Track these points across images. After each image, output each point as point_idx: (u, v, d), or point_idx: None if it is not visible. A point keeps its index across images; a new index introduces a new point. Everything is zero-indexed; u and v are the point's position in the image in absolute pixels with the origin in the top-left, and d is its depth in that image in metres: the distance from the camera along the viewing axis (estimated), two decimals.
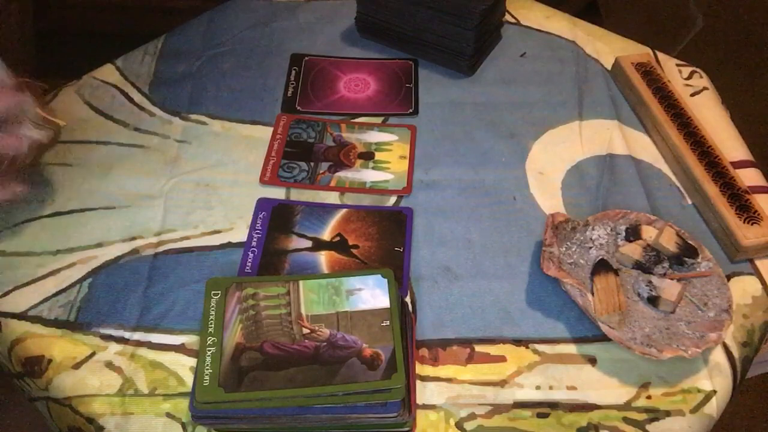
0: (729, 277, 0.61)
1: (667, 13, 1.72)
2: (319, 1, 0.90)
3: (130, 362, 0.55)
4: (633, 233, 0.62)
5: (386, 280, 0.56)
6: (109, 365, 0.55)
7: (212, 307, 0.54)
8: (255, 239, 0.63)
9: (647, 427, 0.52)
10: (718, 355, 0.57)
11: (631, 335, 0.55)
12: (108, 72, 0.79)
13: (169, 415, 0.52)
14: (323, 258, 0.62)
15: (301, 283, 0.56)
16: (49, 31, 1.25)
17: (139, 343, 0.56)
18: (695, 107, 0.73)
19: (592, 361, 0.56)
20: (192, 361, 0.55)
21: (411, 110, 0.76)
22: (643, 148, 0.73)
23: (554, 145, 0.73)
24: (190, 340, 0.56)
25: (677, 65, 0.82)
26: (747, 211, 0.63)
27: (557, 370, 0.55)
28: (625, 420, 0.53)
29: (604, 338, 0.56)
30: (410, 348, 0.54)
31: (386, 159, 0.71)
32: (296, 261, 0.62)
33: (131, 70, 0.79)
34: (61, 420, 0.56)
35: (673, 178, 0.70)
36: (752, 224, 0.62)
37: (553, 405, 0.53)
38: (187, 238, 0.63)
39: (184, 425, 0.52)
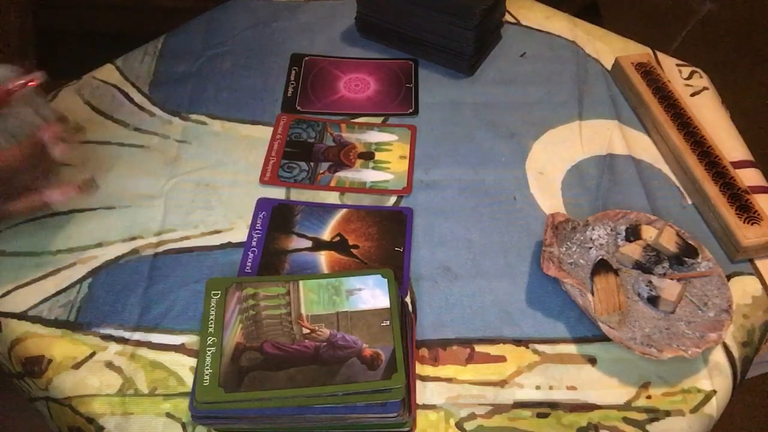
0: (729, 277, 0.61)
1: (665, 8, 1.72)
2: (319, 1, 0.90)
3: (130, 362, 0.55)
4: (633, 233, 0.62)
5: (386, 280, 0.56)
6: (109, 365, 0.55)
7: (212, 307, 0.54)
8: (255, 239, 0.63)
9: (647, 427, 0.52)
10: (718, 355, 0.57)
11: (631, 335, 0.55)
12: (108, 72, 0.79)
13: (169, 415, 0.52)
14: (323, 258, 0.62)
15: (301, 283, 0.56)
16: (49, 31, 1.25)
17: (139, 343, 0.56)
18: (695, 107, 0.73)
19: (592, 361, 0.56)
20: (192, 361, 0.55)
21: (411, 110, 0.76)
22: (643, 148, 0.73)
23: (554, 145, 0.73)
24: (190, 340, 0.56)
25: (677, 65, 0.82)
26: (747, 211, 0.63)
27: (557, 370, 0.55)
28: (625, 420, 0.53)
29: (604, 338, 0.56)
30: (410, 348, 0.54)
31: (386, 159, 0.71)
32: (296, 261, 0.62)
33: (131, 70, 0.79)
34: (61, 420, 0.56)
35: (673, 178, 0.70)
36: (752, 224, 0.62)
37: (553, 405, 0.53)
38: (187, 238, 0.63)
39: (184, 425, 0.52)
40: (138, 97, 0.76)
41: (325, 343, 0.52)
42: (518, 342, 0.57)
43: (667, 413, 0.53)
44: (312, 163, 0.70)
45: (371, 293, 0.55)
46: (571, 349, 0.57)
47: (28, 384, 0.57)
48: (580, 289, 0.57)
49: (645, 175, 0.70)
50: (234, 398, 0.49)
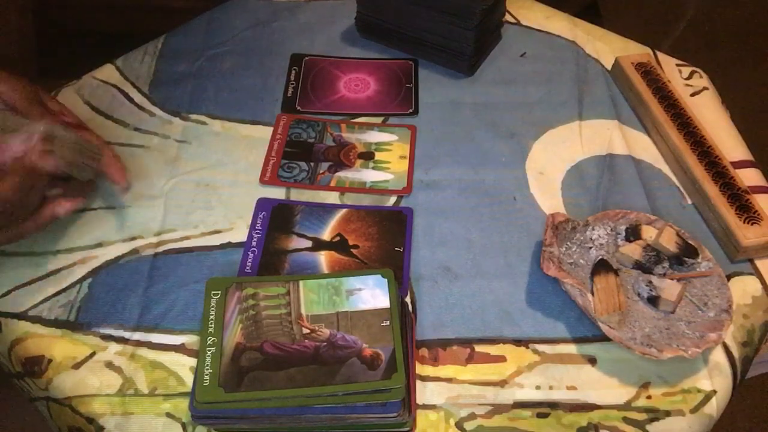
0: (729, 277, 0.61)
1: (664, 8, 1.72)
2: (319, 1, 0.90)
3: (130, 362, 0.55)
4: (633, 233, 0.62)
5: (386, 280, 0.56)
6: (109, 365, 0.55)
7: (212, 307, 0.54)
8: (255, 239, 0.63)
9: (647, 427, 0.52)
10: (718, 355, 0.57)
11: (631, 335, 0.55)
12: (108, 72, 0.79)
13: (169, 415, 0.52)
14: (323, 258, 0.62)
15: (301, 283, 0.56)
16: (49, 31, 1.25)
17: (139, 343, 0.56)
18: (695, 107, 0.73)
19: (592, 361, 0.56)
20: (192, 361, 0.55)
21: (411, 110, 0.76)
22: (643, 148, 0.73)
23: (554, 145, 0.73)
24: (190, 340, 0.56)
25: (677, 65, 0.82)
26: (747, 211, 0.63)
27: (557, 370, 0.55)
28: (625, 420, 0.53)
29: (604, 338, 0.56)
30: (410, 348, 0.54)
31: (386, 159, 0.71)
32: (296, 261, 0.62)
33: (131, 70, 0.79)
34: (61, 420, 0.56)
35: (673, 178, 0.70)
36: (752, 224, 0.62)
37: (553, 405, 0.53)
38: (187, 238, 0.63)
39: (184, 425, 0.52)
40: (138, 97, 0.76)
41: (325, 343, 0.52)
42: (518, 342, 0.57)
43: (667, 413, 0.53)
44: (312, 163, 0.70)
45: (371, 293, 0.55)
46: (571, 349, 0.57)
47: (28, 384, 0.57)
48: (580, 289, 0.57)
49: (645, 175, 0.70)
50: (234, 398, 0.49)
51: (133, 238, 0.63)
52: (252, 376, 0.50)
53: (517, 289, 0.60)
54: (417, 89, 0.79)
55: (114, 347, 0.56)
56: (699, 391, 0.54)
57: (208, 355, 0.51)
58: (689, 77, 0.81)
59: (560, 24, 0.87)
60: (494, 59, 0.83)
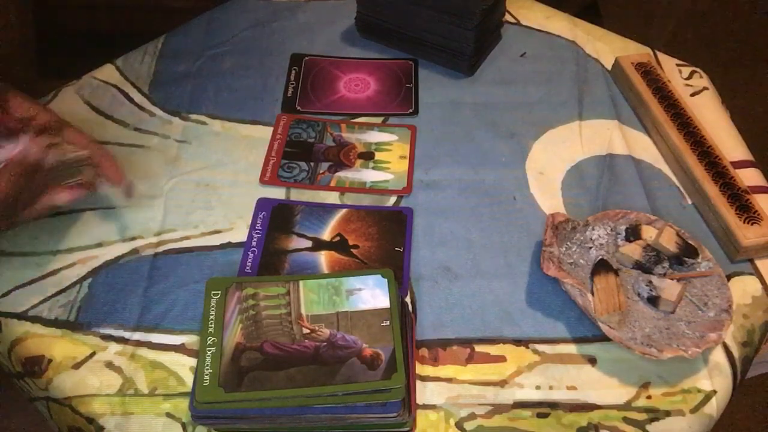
0: (729, 277, 0.61)
1: (659, 7, 1.72)
2: (319, 1, 0.90)
3: (130, 362, 0.55)
4: (633, 233, 0.62)
5: (386, 280, 0.56)
6: (109, 365, 0.55)
7: (212, 307, 0.54)
8: (255, 239, 0.63)
9: (647, 427, 0.52)
10: (718, 355, 0.57)
11: (631, 335, 0.55)
12: (108, 72, 0.79)
13: (169, 415, 0.52)
14: (323, 258, 0.62)
15: (301, 283, 0.56)
16: (49, 31, 1.25)
17: (139, 343, 0.56)
18: (695, 107, 0.73)
19: (592, 361, 0.56)
20: (192, 361, 0.55)
21: (411, 110, 0.76)
22: (643, 148, 0.73)
23: (554, 145, 0.73)
24: (190, 340, 0.56)
25: (677, 65, 0.82)
26: (747, 211, 0.63)
27: (557, 370, 0.55)
28: (625, 420, 0.53)
29: (604, 338, 0.56)
30: (410, 348, 0.54)
31: (386, 159, 0.71)
32: (296, 261, 0.62)
33: (131, 70, 0.79)
34: (61, 420, 0.56)
35: (673, 178, 0.70)
36: (752, 224, 0.62)
37: (553, 405, 0.53)
38: (187, 238, 0.63)
39: (184, 425, 0.52)
40: (138, 97, 0.76)
41: (325, 343, 0.52)
42: (518, 342, 0.57)
43: (667, 413, 0.53)
44: (312, 163, 0.70)
45: (371, 293, 0.55)
46: (571, 349, 0.57)
47: (28, 384, 0.57)
48: (580, 289, 0.57)
49: (645, 175, 0.70)
50: (234, 398, 0.49)
51: (133, 238, 0.63)
52: (252, 376, 0.50)
53: (517, 289, 0.60)
54: (417, 89, 0.79)
55: (114, 347, 0.56)
56: (699, 391, 0.54)
57: (208, 355, 0.51)
58: (689, 77, 0.81)
59: (560, 24, 0.87)
60: (494, 59, 0.83)
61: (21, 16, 0.94)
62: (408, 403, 0.50)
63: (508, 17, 0.87)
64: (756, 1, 1.86)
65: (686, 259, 0.60)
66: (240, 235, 0.64)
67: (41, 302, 0.59)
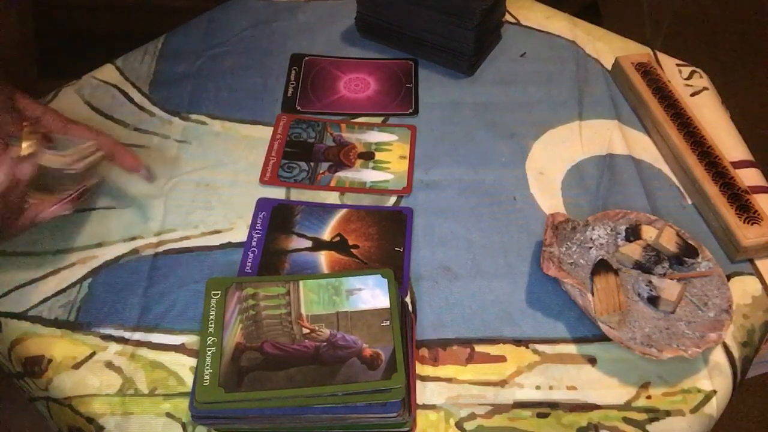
0: (729, 277, 0.61)
1: (657, 6, 1.72)
2: (319, 1, 0.90)
3: (130, 362, 0.55)
4: (633, 233, 0.62)
5: (386, 280, 0.56)
6: (109, 365, 0.55)
7: (212, 307, 0.54)
8: (255, 239, 0.63)
9: (647, 427, 0.52)
10: (718, 355, 0.57)
11: (631, 335, 0.55)
12: (108, 72, 0.79)
13: (169, 415, 0.52)
14: (323, 258, 0.62)
15: (301, 283, 0.56)
16: (49, 31, 1.25)
17: (139, 343, 0.56)
18: (695, 107, 0.73)
19: (592, 361, 0.56)
20: (192, 361, 0.55)
21: (411, 110, 0.76)
22: (643, 148, 0.73)
23: (554, 145, 0.73)
24: (190, 340, 0.56)
25: (677, 65, 0.82)
26: (747, 211, 0.63)
27: (557, 370, 0.55)
28: (625, 420, 0.53)
29: (604, 338, 0.56)
30: (410, 348, 0.54)
31: (386, 159, 0.71)
32: (296, 261, 0.62)
33: (131, 70, 0.79)
34: (61, 420, 0.56)
35: (673, 178, 0.70)
36: (752, 224, 0.62)
37: (553, 405, 0.53)
38: (187, 238, 0.63)
39: (184, 425, 0.52)
40: (138, 97, 0.76)
41: (325, 343, 0.52)
42: (518, 342, 0.57)
43: (667, 413, 0.53)
44: (312, 163, 0.70)
45: (371, 293, 0.55)
46: (571, 349, 0.57)
47: (28, 384, 0.57)
48: (580, 289, 0.57)
49: (645, 175, 0.70)
50: (234, 398, 0.49)
51: (133, 238, 0.63)
52: (252, 376, 0.50)
53: (517, 289, 0.60)
54: (417, 89, 0.79)
55: (114, 347, 0.56)
56: (699, 391, 0.54)
57: (208, 355, 0.51)
58: (689, 77, 0.81)
59: (560, 24, 0.87)
60: (494, 59, 0.83)
61: (21, 16, 0.94)
62: (408, 403, 0.50)
63: (508, 17, 0.87)
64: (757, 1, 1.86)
65: (686, 259, 0.60)
66: (240, 235, 0.64)
67: (41, 302, 0.59)
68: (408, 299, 0.59)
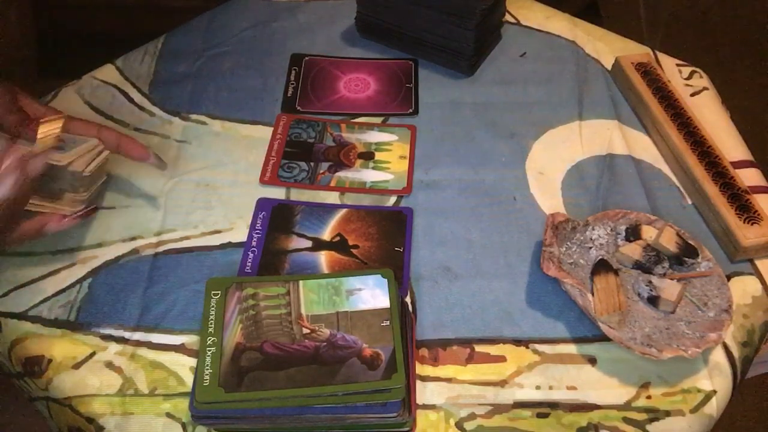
0: (729, 277, 0.61)
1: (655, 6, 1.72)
2: (319, 1, 0.90)
3: (130, 362, 0.55)
4: (633, 233, 0.62)
5: (386, 280, 0.56)
6: (109, 365, 0.55)
7: (212, 307, 0.54)
8: (255, 239, 0.63)
9: (647, 427, 0.52)
10: (718, 355, 0.57)
11: (631, 335, 0.55)
12: (108, 72, 0.79)
13: (169, 415, 0.52)
14: (323, 258, 0.62)
15: (301, 283, 0.56)
16: (49, 31, 1.25)
17: (139, 343, 0.56)
18: (695, 107, 0.73)
19: (592, 361, 0.56)
20: (192, 361, 0.55)
21: (411, 110, 0.76)
22: (643, 148, 0.73)
23: (554, 145, 0.73)
24: (190, 340, 0.56)
25: (677, 65, 0.82)
26: (747, 211, 0.63)
27: (557, 370, 0.55)
28: (625, 420, 0.53)
29: (604, 338, 0.56)
30: (410, 348, 0.54)
31: (386, 159, 0.71)
32: (296, 261, 0.62)
33: (131, 70, 0.79)
34: (61, 420, 0.56)
35: (673, 178, 0.70)
36: (752, 224, 0.62)
37: (553, 405, 0.53)
38: (187, 238, 0.63)
39: (184, 425, 0.52)
40: (138, 97, 0.76)
41: (325, 343, 0.52)
42: (518, 342, 0.57)
43: (667, 413, 0.53)
44: (312, 163, 0.70)
45: (371, 293, 0.55)
46: (571, 349, 0.57)
47: (28, 384, 0.57)
48: (580, 289, 0.57)
49: (645, 175, 0.70)
50: (234, 398, 0.49)
51: (133, 238, 0.63)
52: (252, 376, 0.50)
53: (517, 289, 0.60)
54: (417, 89, 0.79)
55: (114, 347, 0.56)
56: (699, 391, 0.54)
57: (208, 355, 0.51)
58: (689, 77, 0.81)
59: (560, 24, 0.87)
60: (494, 59, 0.83)
61: (21, 16, 0.94)
62: (408, 403, 0.50)
63: (508, 17, 0.87)
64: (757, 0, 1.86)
65: (686, 259, 0.60)
66: (240, 235, 0.64)
67: (41, 302, 0.59)
68: (408, 299, 0.59)
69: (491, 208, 0.67)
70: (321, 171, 0.70)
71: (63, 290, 0.59)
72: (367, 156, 0.71)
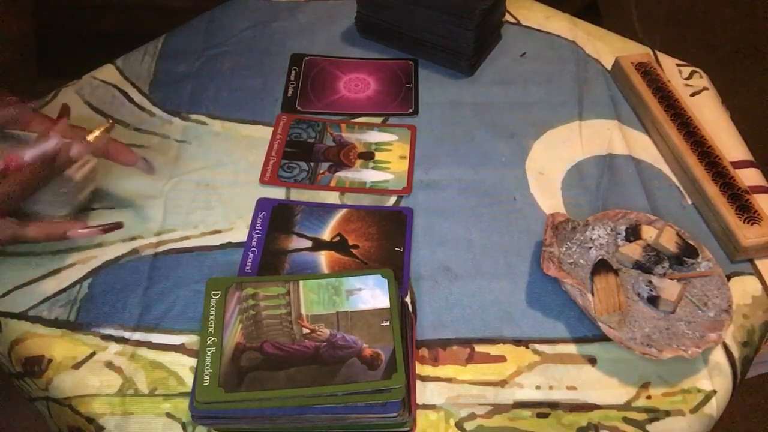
0: (729, 277, 0.61)
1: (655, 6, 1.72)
2: (319, 1, 0.90)
3: (130, 362, 0.55)
4: (633, 233, 0.62)
5: (386, 280, 0.56)
6: (109, 365, 0.55)
7: (212, 307, 0.54)
8: (255, 239, 0.63)
9: (647, 427, 0.52)
10: (718, 355, 0.57)
11: (631, 335, 0.55)
12: (108, 72, 0.79)
13: (169, 415, 0.52)
14: (323, 258, 0.62)
15: (301, 283, 0.56)
16: (49, 31, 1.25)
17: (139, 343, 0.56)
18: (695, 107, 0.73)
19: (592, 361, 0.56)
20: (192, 361, 0.55)
21: (411, 110, 0.76)
22: (643, 148, 0.73)
23: (554, 145, 0.73)
24: (190, 340, 0.56)
25: (677, 65, 0.82)
26: (747, 211, 0.63)
27: (557, 370, 0.55)
28: (625, 420, 0.53)
29: (604, 338, 0.56)
30: (410, 348, 0.54)
31: (386, 159, 0.71)
32: (296, 261, 0.62)
33: (131, 70, 0.79)
34: (61, 420, 0.56)
35: (673, 178, 0.70)
36: (752, 224, 0.62)
37: (553, 405, 0.53)
38: (187, 238, 0.63)
39: (184, 425, 0.52)
40: (138, 97, 0.76)
41: (325, 343, 0.52)
42: (518, 342, 0.57)
43: (667, 413, 0.53)
44: (312, 163, 0.70)
45: (371, 293, 0.55)
46: (571, 349, 0.57)
47: (28, 384, 0.57)
48: (580, 289, 0.57)
49: (645, 175, 0.70)
50: (234, 398, 0.49)
51: (133, 238, 0.63)
52: (252, 376, 0.50)
53: (517, 289, 0.60)
54: (417, 89, 0.79)
55: (114, 347, 0.56)
56: (699, 391, 0.54)
57: (208, 355, 0.51)
58: (689, 77, 0.81)
59: (560, 24, 0.87)
60: (494, 59, 0.83)
61: (21, 16, 0.94)
62: (408, 403, 0.50)
63: (508, 17, 0.87)
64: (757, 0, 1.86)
65: (686, 259, 0.60)
66: (240, 235, 0.64)
67: (41, 302, 0.59)
68: (408, 299, 0.59)
69: (491, 208, 0.67)
70: (321, 171, 0.70)
71: (63, 290, 0.59)
72: (367, 156, 0.71)
